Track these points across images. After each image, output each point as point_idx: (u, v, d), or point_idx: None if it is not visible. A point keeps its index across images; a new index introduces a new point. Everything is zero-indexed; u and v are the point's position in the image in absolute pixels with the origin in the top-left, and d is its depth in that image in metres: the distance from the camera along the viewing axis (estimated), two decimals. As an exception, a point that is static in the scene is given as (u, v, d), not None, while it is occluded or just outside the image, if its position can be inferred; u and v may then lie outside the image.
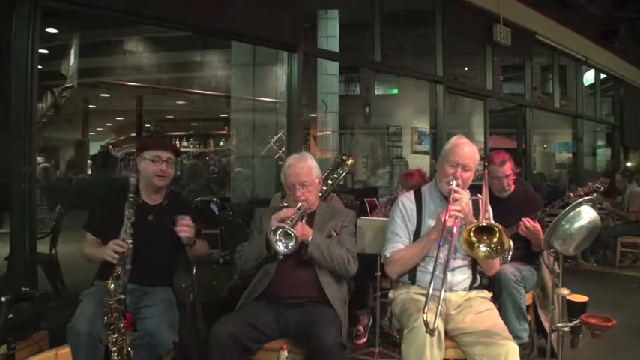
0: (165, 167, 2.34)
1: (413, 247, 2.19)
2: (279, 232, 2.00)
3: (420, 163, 7.95)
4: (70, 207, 4.35)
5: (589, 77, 9.28)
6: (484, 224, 1.91)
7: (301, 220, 2.15)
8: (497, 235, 1.88)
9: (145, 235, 2.24)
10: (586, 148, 9.25)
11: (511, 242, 1.89)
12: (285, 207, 2.36)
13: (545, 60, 8.61)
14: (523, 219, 2.70)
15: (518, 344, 1.96)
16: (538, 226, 2.70)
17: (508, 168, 2.93)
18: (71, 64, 6.92)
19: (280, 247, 2.00)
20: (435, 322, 1.82)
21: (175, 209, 2.37)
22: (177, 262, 2.41)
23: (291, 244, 1.99)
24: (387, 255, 2.23)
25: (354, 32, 6.37)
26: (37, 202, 2.82)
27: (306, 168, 2.28)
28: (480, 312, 2.08)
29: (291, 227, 2.00)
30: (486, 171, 2.67)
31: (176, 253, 2.38)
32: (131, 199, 2.12)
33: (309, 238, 2.17)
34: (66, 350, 1.92)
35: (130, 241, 2.08)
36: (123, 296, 2.03)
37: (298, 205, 2.20)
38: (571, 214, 2.03)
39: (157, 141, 2.40)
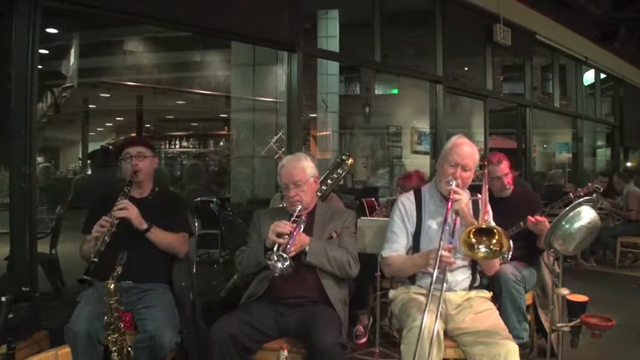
0: (135, 161, 2.37)
1: (404, 261, 2.18)
2: (274, 255, 1.99)
3: (420, 163, 7.96)
4: (69, 207, 4.36)
5: (589, 77, 9.28)
6: (484, 226, 1.91)
7: (300, 227, 2.15)
8: (497, 236, 1.88)
9: (133, 228, 2.26)
10: (586, 148, 9.25)
11: (511, 243, 1.89)
12: (284, 208, 2.36)
13: (545, 60, 8.62)
14: (530, 217, 2.70)
15: (518, 344, 1.96)
16: (545, 219, 2.70)
17: (505, 166, 2.94)
18: (71, 64, 6.92)
19: (277, 269, 1.99)
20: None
21: (162, 202, 2.39)
22: (174, 259, 2.41)
23: (286, 263, 1.99)
24: (384, 256, 2.24)
25: (354, 32, 6.38)
26: (37, 202, 2.81)
27: (299, 168, 2.26)
28: (480, 312, 2.08)
29: (286, 249, 1.99)
30: (486, 170, 2.67)
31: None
32: (127, 191, 2.28)
33: (307, 248, 2.16)
34: (66, 350, 1.92)
35: (116, 217, 2.15)
36: (95, 260, 2.06)
37: (298, 209, 2.19)
38: (571, 214, 2.04)
39: (126, 140, 2.43)
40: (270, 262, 1.99)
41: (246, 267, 2.28)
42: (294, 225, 2.10)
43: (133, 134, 9.75)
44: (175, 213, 2.46)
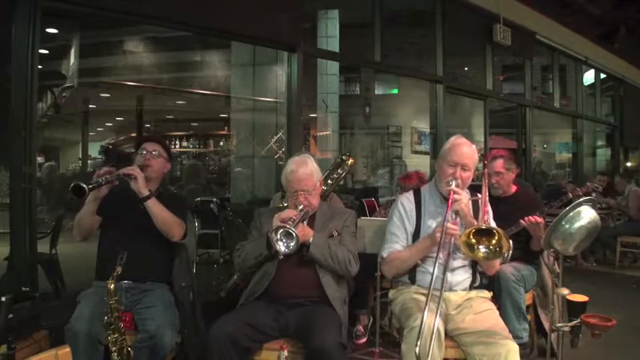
0: (148, 156, 2.40)
1: (407, 250, 2.19)
2: (280, 231, 2.00)
3: (420, 163, 7.95)
4: (69, 207, 4.35)
5: (589, 77, 9.28)
6: (483, 227, 1.91)
7: (303, 221, 2.16)
8: (497, 237, 1.88)
9: (136, 224, 2.27)
10: (586, 148, 9.25)
11: (510, 243, 1.89)
12: (286, 207, 2.36)
13: (545, 60, 8.61)
14: (529, 217, 2.70)
15: (518, 344, 1.96)
16: (541, 222, 2.70)
17: (498, 165, 2.94)
18: (71, 64, 6.91)
19: (281, 246, 2.01)
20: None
21: (166, 200, 2.38)
22: (174, 259, 2.41)
23: (292, 244, 2.00)
24: (384, 256, 2.24)
25: (354, 32, 6.37)
26: (38, 201, 2.81)
27: (308, 174, 2.28)
28: (480, 312, 2.08)
29: (293, 227, 2.00)
30: (485, 170, 2.67)
31: (169, 246, 2.38)
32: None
33: (310, 239, 2.17)
34: (66, 350, 1.93)
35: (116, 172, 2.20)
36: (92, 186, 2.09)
37: (300, 207, 2.20)
38: (571, 214, 2.03)
39: (147, 136, 2.44)
40: (274, 238, 1.99)
41: (245, 259, 2.28)
42: (299, 215, 2.12)
43: (133, 134, 9.75)
44: (176, 210, 2.43)
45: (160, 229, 2.30)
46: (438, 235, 1.99)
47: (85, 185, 2.04)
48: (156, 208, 2.28)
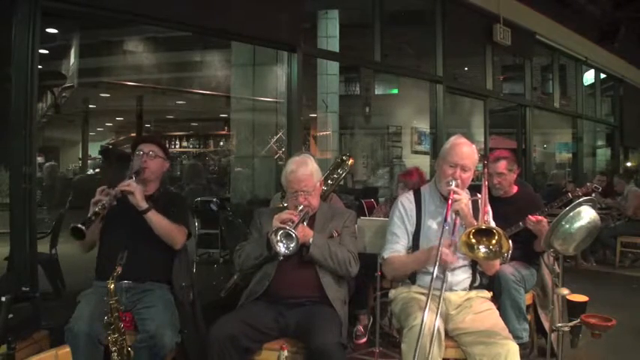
0: (145, 158, 2.39)
1: (406, 258, 2.19)
2: (280, 232, 2.01)
3: (420, 163, 7.95)
4: (69, 207, 4.35)
5: (589, 77, 9.27)
6: (483, 227, 1.91)
7: (303, 222, 2.16)
8: (497, 237, 1.88)
9: (136, 224, 2.27)
10: (586, 148, 9.25)
11: (510, 243, 1.89)
12: (286, 207, 2.37)
13: (545, 60, 8.61)
14: (530, 216, 2.70)
15: (518, 344, 1.96)
16: (544, 219, 2.70)
17: (500, 166, 2.94)
18: (71, 64, 6.91)
19: (281, 248, 2.01)
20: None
21: (165, 202, 2.38)
22: (174, 259, 2.41)
23: (292, 245, 2.00)
24: (385, 257, 2.24)
25: (354, 32, 6.37)
26: (39, 201, 2.81)
27: (308, 174, 2.28)
28: (480, 312, 2.08)
29: (293, 229, 2.00)
30: (486, 170, 2.67)
31: (169, 246, 2.37)
32: (132, 177, 2.31)
33: (311, 240, 2.17)
34: (66, 350, 1.93)
35: (113, 192, 2.19)
36: (92, 218, 2.08)
37: (300, 207, 2.20)
38: (571, 214, 2.03)
39: (142, 137, 2.42)
40: (274, 240, 2.00)
41: (245, 260, 2.28)
42: (299, 215, 2.12)
43: (133, 134, 9.75)
44: (176, 212, 2.44)
45: (161, 237, 2.31)
46: (433, 258, 1.97)
47: (82, 227, 2.01)
48: (156, 219, 2.28)
